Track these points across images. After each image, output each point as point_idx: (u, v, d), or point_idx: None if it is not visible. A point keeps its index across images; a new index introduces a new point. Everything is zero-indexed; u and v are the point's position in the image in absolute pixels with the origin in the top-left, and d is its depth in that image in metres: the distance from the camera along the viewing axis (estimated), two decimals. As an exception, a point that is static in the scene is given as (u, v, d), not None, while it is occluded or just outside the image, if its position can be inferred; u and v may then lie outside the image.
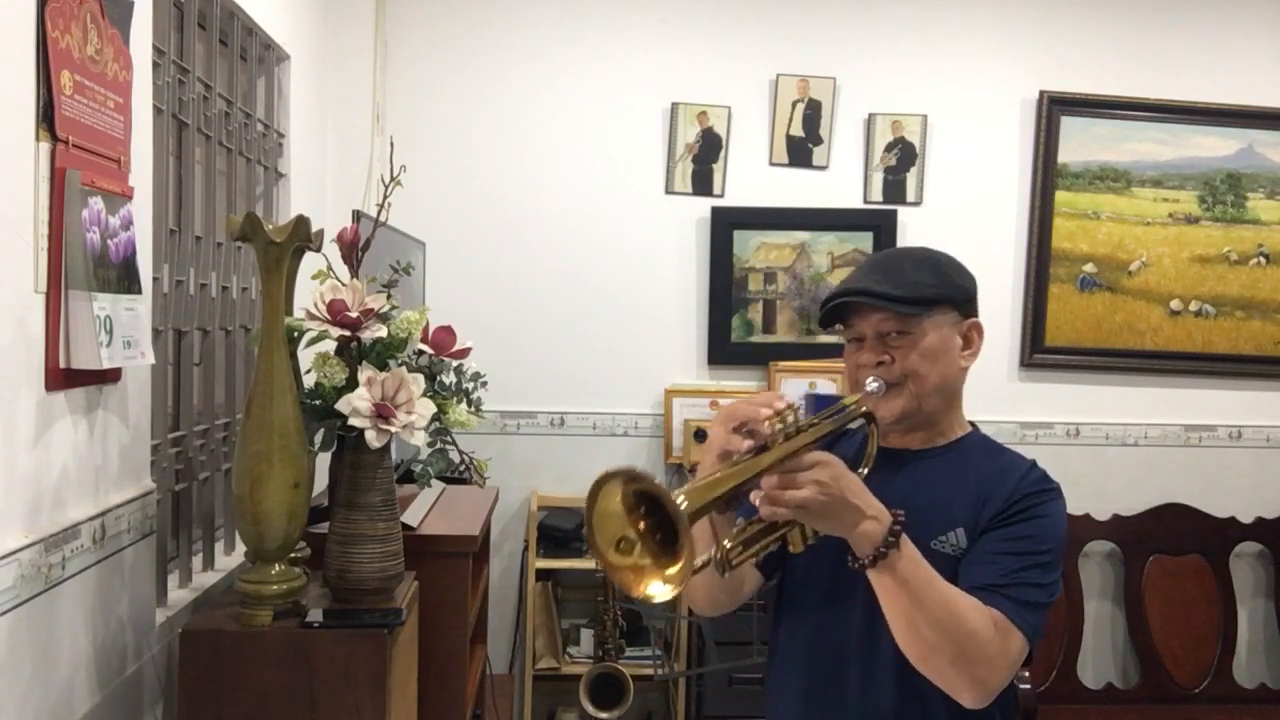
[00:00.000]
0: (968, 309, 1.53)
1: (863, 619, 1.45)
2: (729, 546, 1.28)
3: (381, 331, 1.72)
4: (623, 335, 3.52)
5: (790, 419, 1.29)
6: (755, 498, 1.28)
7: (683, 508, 1.13)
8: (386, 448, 1.78)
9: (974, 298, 1.55)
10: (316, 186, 3.15)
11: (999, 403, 3.62)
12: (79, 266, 1.49)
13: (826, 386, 3.44)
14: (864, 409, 1.45)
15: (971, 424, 1.58)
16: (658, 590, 1.16)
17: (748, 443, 1.28)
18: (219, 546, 2.36)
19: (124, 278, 1.62)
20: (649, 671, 3.27)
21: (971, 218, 3.59)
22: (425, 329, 1.81)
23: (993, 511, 1.45)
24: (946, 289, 1.50)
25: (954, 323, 1.51)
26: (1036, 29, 3.57)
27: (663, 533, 1.17)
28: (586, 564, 3.32)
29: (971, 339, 1.53)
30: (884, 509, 1.31)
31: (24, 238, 1.42)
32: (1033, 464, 1.54)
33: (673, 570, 1.15)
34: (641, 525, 1.18)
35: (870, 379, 1.47)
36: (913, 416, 1.49)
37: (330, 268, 1.79)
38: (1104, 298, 3.63)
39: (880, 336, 1.48)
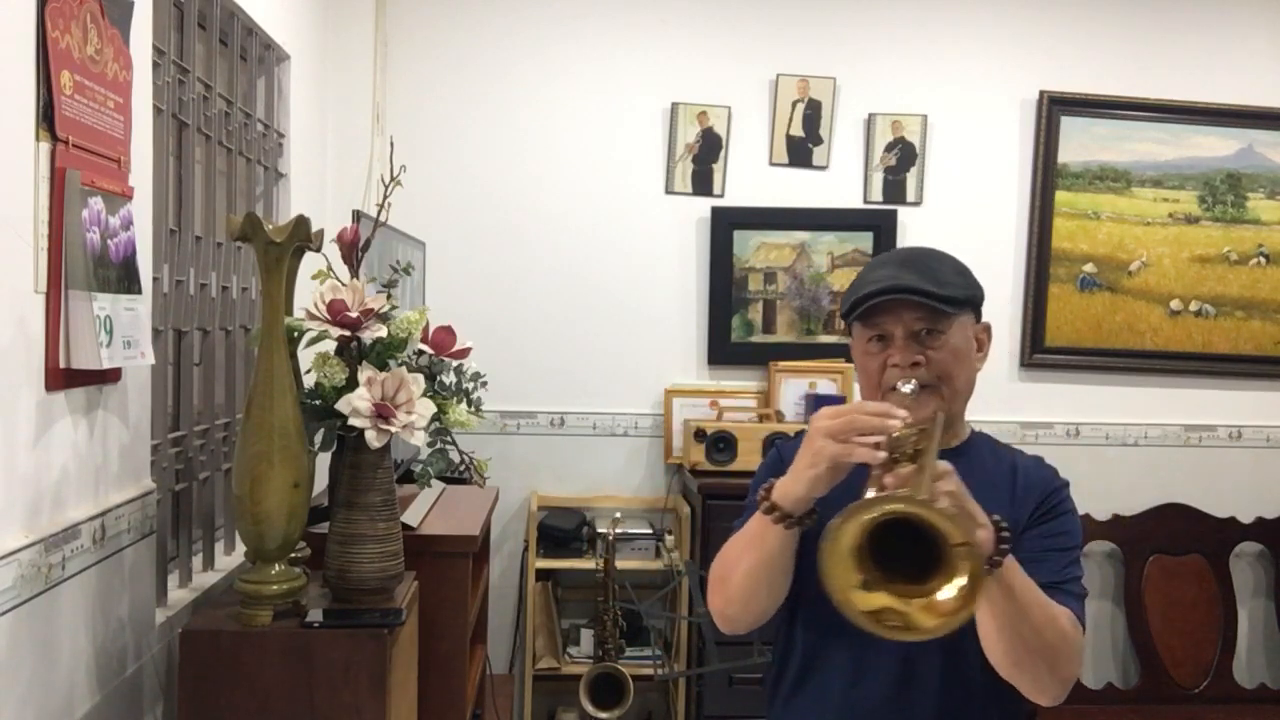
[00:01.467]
0: (979, 311, 1.53)
1: (899, 667, 1.45)
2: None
3: (381, 331, 1.72)
4: (623, 335, 3.52)
5: (911, 429, 1.24)
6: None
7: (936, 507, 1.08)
8: (386, 448, 1.78)
9: (983, 300, 1.54)
10: (316, 186, 3.15)
11: (999, 403, 3.61)
12: (79, 266, 1.49)
13: (827, 387, 3.44)
14: (930, 414, 1.40)
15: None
16: (952, 605, 1.10)
17: (880, 455, 1.21)
18: (219, 546, 2.36)
19: (124, 278, 1.62)
20: (649, 671, 3.27)
21: (971, 218, 3.59)
22: (425, 329, 1.81)
23: (1030, 509, 1.45)
24: (972, 290, 1.50)
25: (972, 325, 1.51)
26: (1036, 29, 3.57)
27: (898, 555, 1.12)
28: (586, 564, 3.32)
29: (983, 341, 1.53)
30: (986, 515, 1.26)
31: (24, 238, 1.42)
32: (1041, 458, 1.55)
33: (961, 582, 1.09)
34: (869, 565, 1.12)
35: (902, 381, 1.42)
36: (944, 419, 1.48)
37: (330, 268, 1.79)
38: (1104, 298, 3.63)
39: (912, 336, 1.44)
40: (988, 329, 1.54)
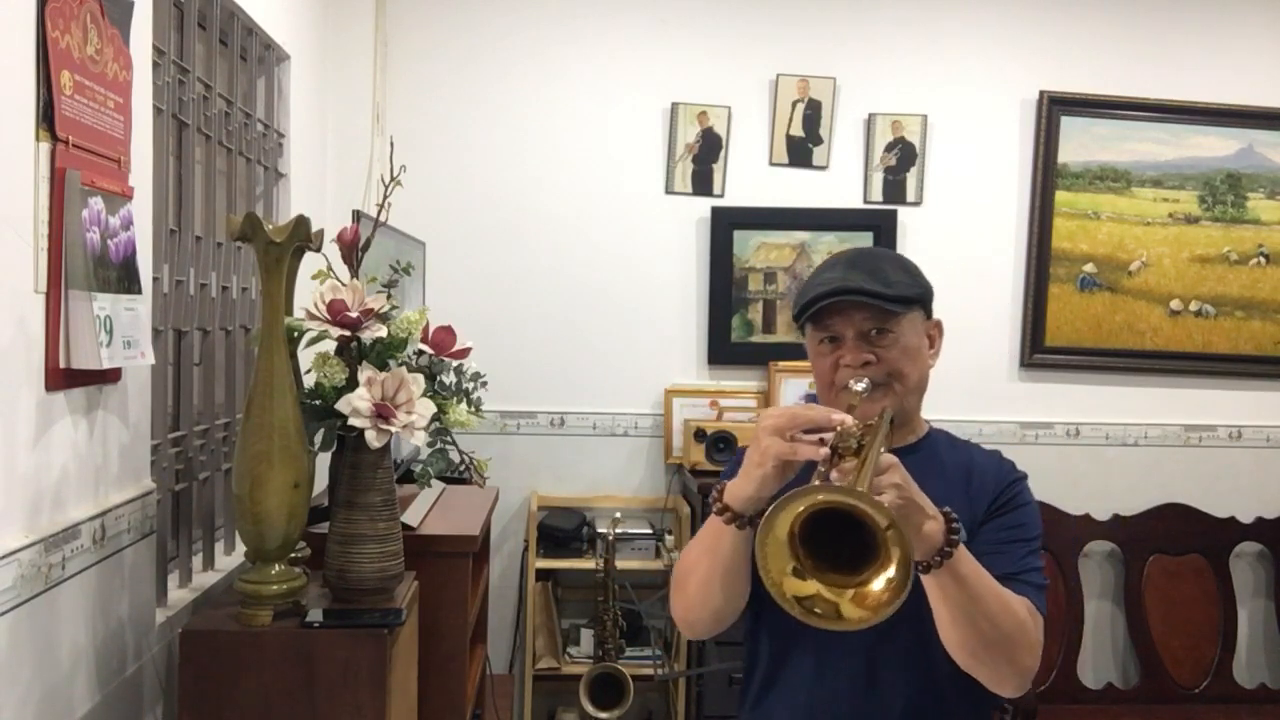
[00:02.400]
0: (929, 309, 1.55)
1: (864, 668, 1.46)
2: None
3: (381, 331, 1.72)
4: (623, 335, 3.52)
5: (856, 424, 1.26)
6: None
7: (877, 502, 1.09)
8: (386, 448, 1.78)
9: (933, 298, 1.56)
10: (316, 186, 3.15)
11: (999, 403, 3.62)
12: (79, 266, 1.49)
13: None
14: (884, 410, 1.42)
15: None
16: (880, 596, 1.11)
17: (824, 450, 1.22)
18: (219, 546, 2.36)
19: (124, 278, 1.62)
20: (649, 671, 3.27)
21: (971, 218, 3.59)
22: (425, 329, 1.81)
23: (986, 503, 1.47)
24: (920, 288, 1.53)
25: (923, 321, 1.53)
26: (1036, 29, 3.57)
27: (838, 547, 1.13)
28: (586, 564, 3.32)
29: (934, 338, 1.56)
30: (936, 508, 1.28)
31: (24, 238, 1.42)
32: (999, 453, 1.59)
33: (890, 574, 1.10)
34: (802, 553, 1.14)
35: (855, 380, 1.44)
36: (897, 416, 1.49)
37: (330, 268, 1.79)
38: (1104, 298, 3.63)
39: (862, 336, 1.47)
40: (939, 325, 1.57)
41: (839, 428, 1.23)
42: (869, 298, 1.44)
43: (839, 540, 1.14)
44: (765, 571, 1.15)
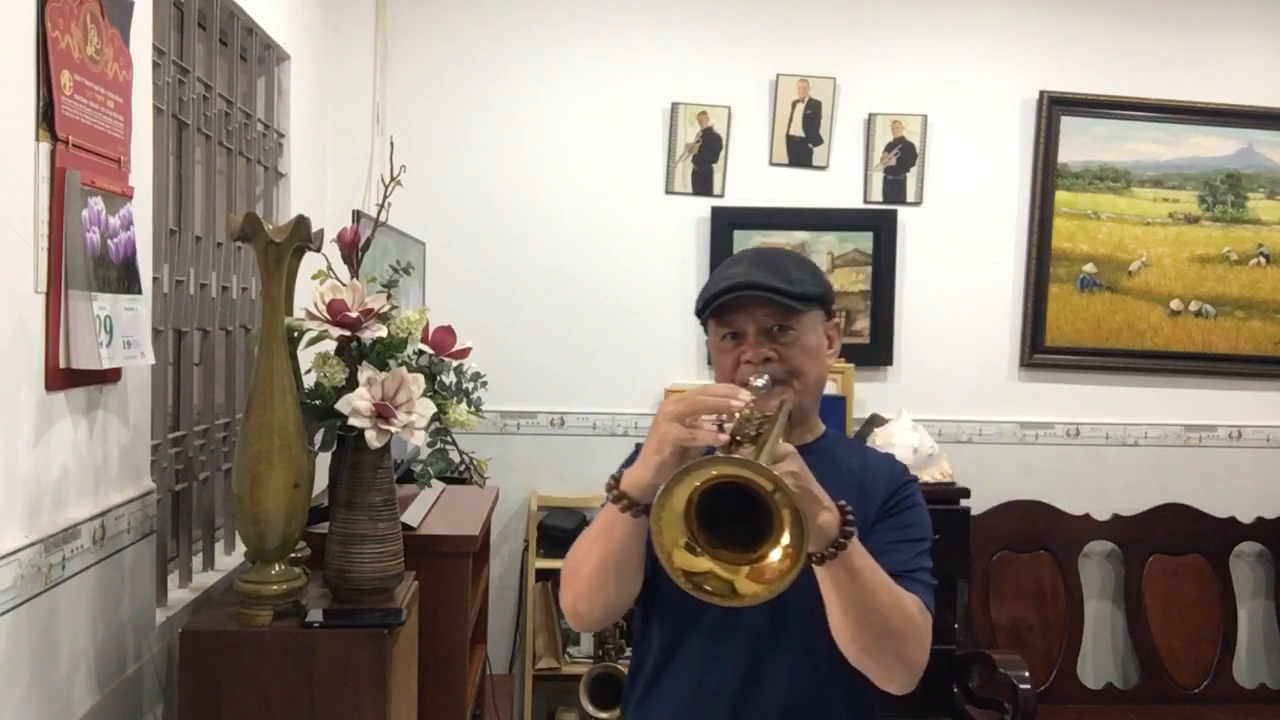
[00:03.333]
0: (829, 310, 1.56)
1: (748, 657, 1.46)
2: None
3: (381, 331, 1.72)
4: (623, 335, 3.52)
5: (755, 411, 1.27)
6: None
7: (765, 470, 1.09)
8: (386, 448, 1.78)
9: (833, 299, 1.58)
10: (316, 186, 3.15)
11: (999, 403, 3.62)
12: (79, 266, 1.49)
13: (827, 386, 3.43)
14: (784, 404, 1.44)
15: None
16: (779, 566, 1.11)
17: (722, 437, 1.22)
18: (219, 546, 2.36)
19: (124, 278, 1.62)
20: (649, 671, 3.27)
21: (971, 218, 3.59)
22: (425, 329, 1.81)
23: (879, 503, 1.49)
24: (822, 288, 1.54)
25: (823, 321, 1.54)
26: (1036, 29, 3.57)
27: (735, 529, 1.13)
28: (586, 564, 3.32)
29: (833, 338, 1.57)
30: (831, 500, 1.28)
31: (24, 238, 1.42)
32: (891, 456, 1.61)
33: (785, 540, 1.10)
34: (696, 529, 1.14)
35: (755, 375, 1.45)
36: (795, 414, 1.49)
37: (330, 268, 1.79)
38: (1104, 298, 3.63)
39: (764, 332, 1.48)
40: (838, 326, 1.58)
41: (738, 415, 1.24)
42: (772, 294, 1.45)
43: (737, 523, 1.14)
44: (659, 543, 1.14)
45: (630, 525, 1.32)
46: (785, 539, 1.12)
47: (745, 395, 1.28)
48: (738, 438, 1.23)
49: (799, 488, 1.20)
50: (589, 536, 1.41)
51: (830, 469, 1.47)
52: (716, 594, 1.15)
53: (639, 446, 1.53)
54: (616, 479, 1.33)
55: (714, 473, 1.12)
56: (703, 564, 1.15)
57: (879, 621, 1.32)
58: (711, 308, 1.50)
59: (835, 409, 3.35)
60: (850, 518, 1.28)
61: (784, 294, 1.45)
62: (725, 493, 1.13)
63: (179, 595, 2.07)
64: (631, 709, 1.58)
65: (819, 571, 1.30)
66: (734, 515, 1.14)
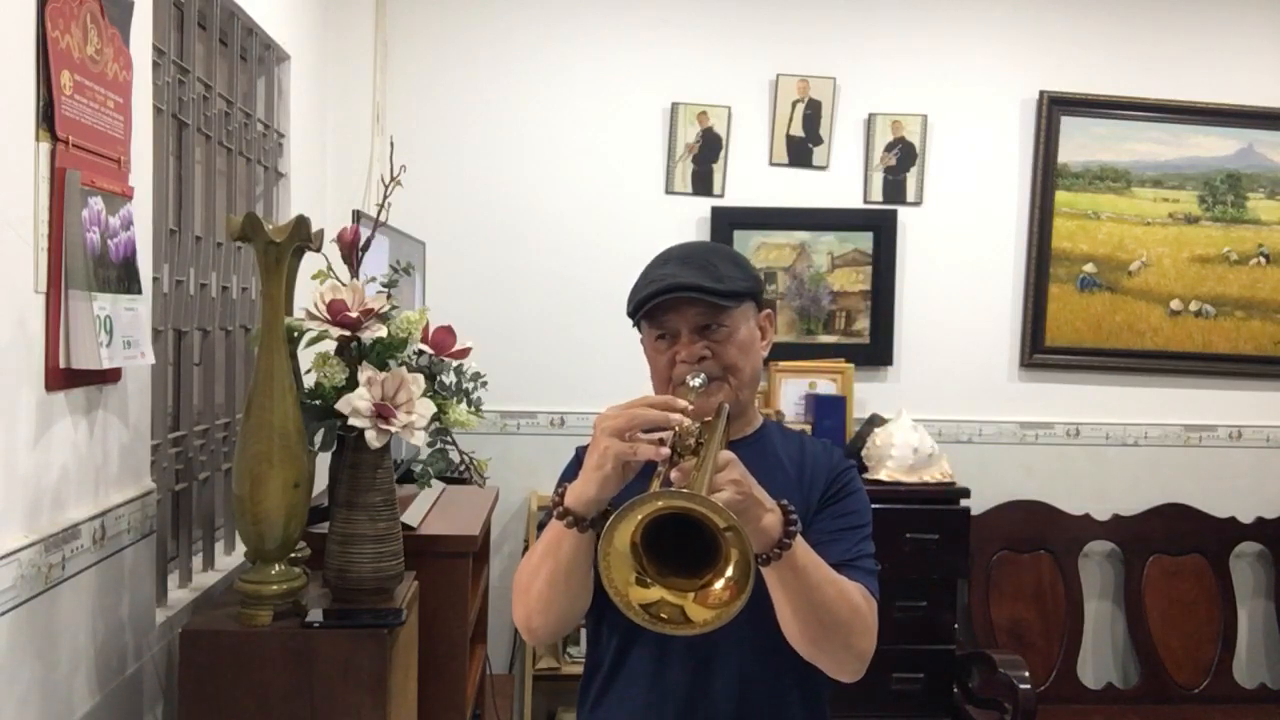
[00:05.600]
0: (761, 300, 1.56)
1: (698, 660, 1.46)
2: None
3: (381, 331, 1.72)
4: (623, 335, 3.47)
5: (694, 422, 1.27)
6: None
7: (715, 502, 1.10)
8: (386, 448, 1.78)
9: (764, 289, 1.58)
10: (316, 186, 3.15)
11: (999, 403, 3.62)
12: (79, 266, 1.49)
13: (826, 387, 3.44)
14: (717, 405, 1.44)
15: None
16: (721, 596, 1.12)
17: (664, 451, 1.22)
18: (219, 546, 2.36)
19: (124, 278, 1.62)
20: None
21: (971, 218, 3.59)
22: (425, 329, 1.81)
23: (819, 492, 1.50)
24: (751, 282, 1.54)
25: (754, 314, 1.54)
26: (1036, 29, 3.57)
27: (681, 556, 1.13)
28: (586, 564, 3.32)
29: (766, 329, 1.57)
30: (774, 500, 1.29)
31: (24, 238, 1.42)
32: (829, 441, 1.62)
33: (729, 573, 1.11)
34: (645, 560, 1.14)
35: (691, 375, 1.45)
36: (732, 408, 1.49)
37: (330, 268, 1.79)
38: (1104, 298, 3.63)
39: (696, 330, 1.48)
40: (769, 316, 1.59)
41: (677, 428, 1.24)
42: (700, 293, 1.45)
43: (682, 540, 1.14)
44: (610, 584, 1.15)
45: (577, 540, 1.32)
46: (729, 571, 1.12)
47: (682, 404, 1.29)
48: (678, 451, 1.24)
49: (741, 494, 1.22)
50: (536, 553, 1.42)
51: (769, 462, 1.50)
52: (671, 622, 1.15)
53: (580, 450, 1.54)
54: (561, 495, 1.33)
55: (658, 504, 1.12)
56: (654, 594, 1.15)
57: (825, 616, 1.33)
58: (643, 310, 1.50)
59: (835, 409, 3.35)
60: (793, 517, 1.29)
61: (712, 292, 1.45)
62: (670, 516, 1.13)
63: (179, 595, 2.07)
64: (587, 710, 1.58)
65: (765, 571, 1.30)
66: (679, 533, 1.14)
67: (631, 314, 1.53)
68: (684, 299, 1.46)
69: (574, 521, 1.30)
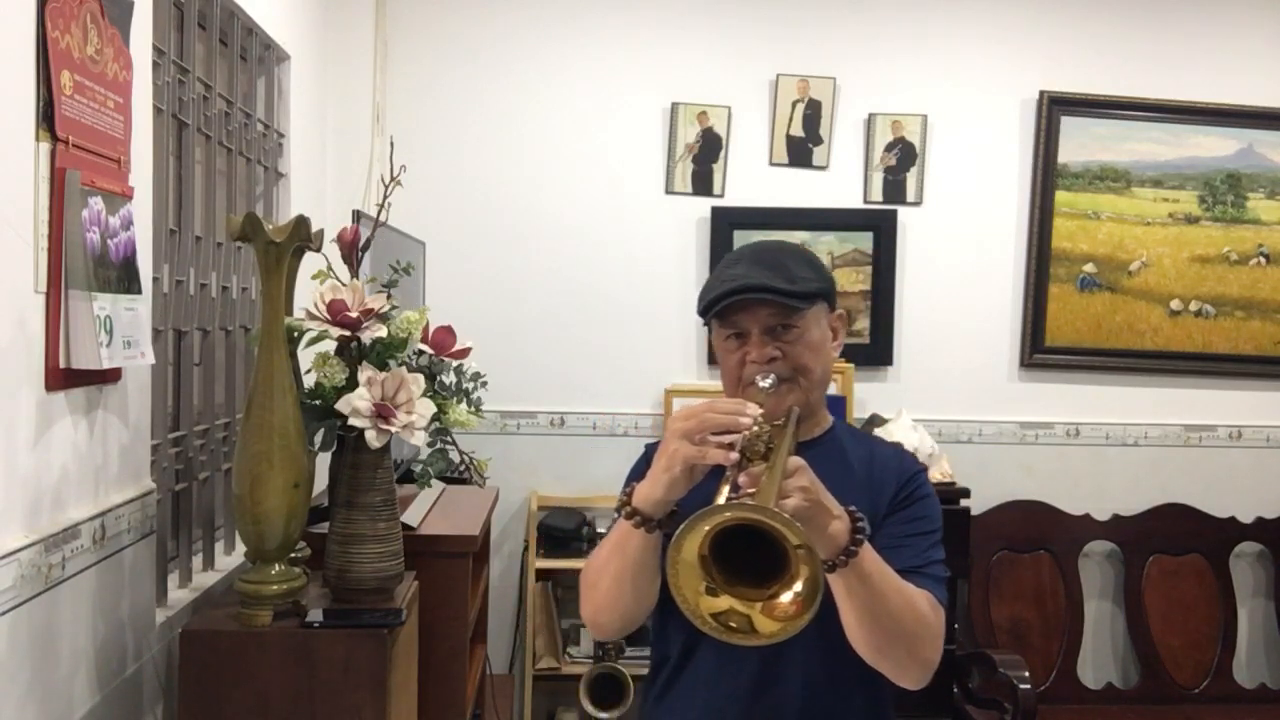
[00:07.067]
0: (833, 301, 1.55)
1: (761, 662, 1.46)
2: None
3: (381, 331, 1.72)
4: (623, 335, 3.52)
5: (764, 426, 1.26)
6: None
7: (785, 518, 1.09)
8: (386, 448, 1.78)
9: (835, 290, 1.57)
10: (316, 186, 3.15)
11: (999, 403, 3.61)
12: (79, 266, 1.49)
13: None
14: (787, 408, 1.43)
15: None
16: (788, 609, 1.12)
17: (733, 455, 1.22)
18: (219, 546, 2.36)
19: (124, 278, 1.62)
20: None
21: (971, 218, 3.59)
22: (425, 329, 1.81)
23: (889, 496, 1.49)
24: (823, 282, 1.53)
25: (826, 315, 1.53)
26: (1036, 29, 3.57)
27: (748, 563, 1.13)
28: (586, 564, 3.32)
29: (837, 331, 1.56)
30: (841, 506, 1.28)
31: (24, 238, 1.42)
32: (900, 445, 1.62)
33: (797, 588, 1.11)
34: (713, 569, 1.14)
35: (761, 376, 1.44)
36: (802, 410, 1.49)
37: (330, 268, 1.79)
38: (1104, 298, 3.63)
39: (767, 331, 1.47)
40: (842, 318, 1.57)
41: (747, 432, 1.24)
42: (772, 294, 1.45)
43: (749, 545, 1.13)
44: (679, 594, 1.15)
45: (644, 540, 1.32)
46: (798, 586, 1.12)
47: (754, 410, 1.27)
48: (747, 455, 1.23)
49: (809, 501, 1.21)
50: (604, 550, 1.42)
51: (838, 464, 1.48)
52: (739, 631, 1.15)
53: (649, 449, 1.53)
54: (628, 495, 1.33)
55: (726, 516, 1.12)
56: (723, 603, 1.15)
57: (891, 624, 1.32)
58: (714, 310, 1.49)
59: (835, 409, 3.31)
60: (860, 524, 1.28)
61: (785, 293, 1.45)
62: (737, 528, 1.12)
63: (179, 595, 2.07)
64: (650, 704, 1.58)
65: (830, 578, 1.29)
66: (746, 542, 1.13)
67: (702, 313, 1.52)
68: (755, 299, 1.45)
69: (641, 521, 1.30)
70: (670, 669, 1.55)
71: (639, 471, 1.47)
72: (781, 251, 1.56)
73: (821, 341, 1.50)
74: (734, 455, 1.22)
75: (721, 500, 1.18)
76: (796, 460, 1.25)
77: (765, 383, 1.43)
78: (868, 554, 1.30)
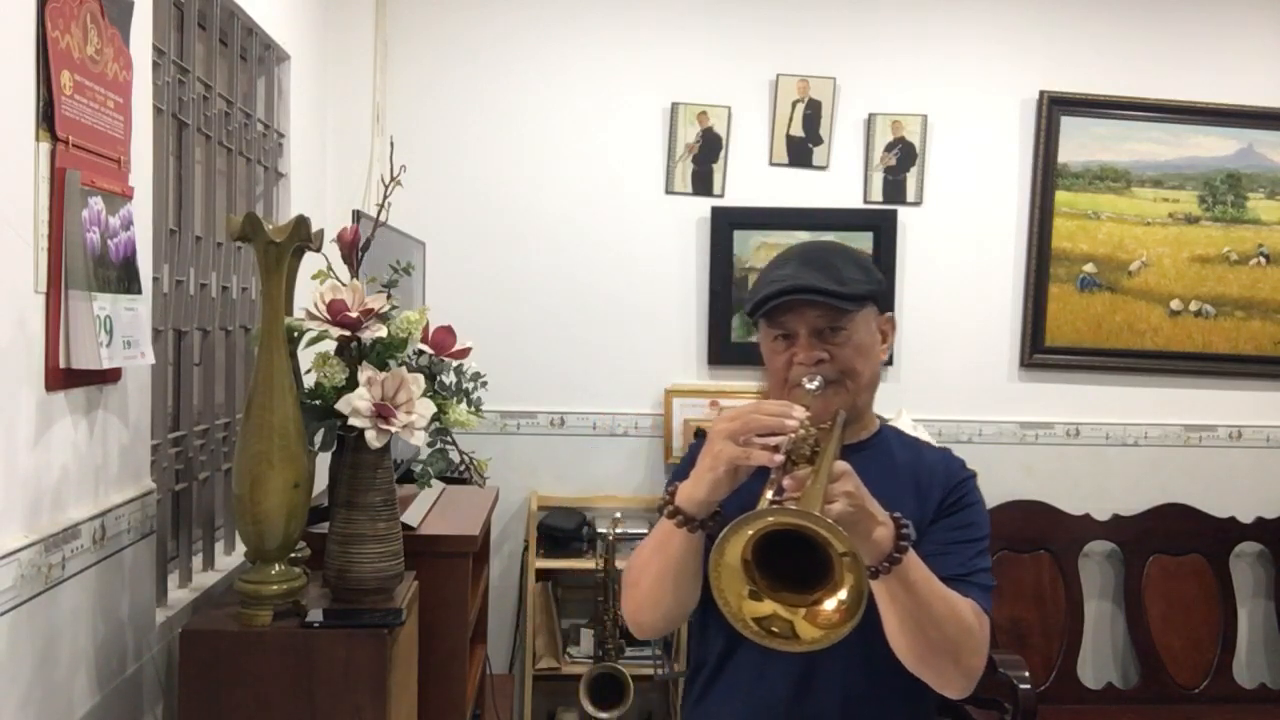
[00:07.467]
0: (883, 304, 1.54)
1: (803, 665, 1.45)
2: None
3: (381, 331, 1.72)
4: (623, 335, 3.52)
5: (810, 429, 1.24)
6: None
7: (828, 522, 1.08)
8: (386, 448, 1.78)
9: (885, 292, 1.56)
10: (316, 186, 3.15)
11: (999, 403, 3.62)
12: (79, 266, 1.49)
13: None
14: (834, 411, 1.42)
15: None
16: (831, 617, 1.11)
17: (778, 457, 1.21)
18: (219, 546, 2.36)
19: (124, 278, 1.62)
20: (649, 671, 3.27)
21: (971, 218, 3.59)
22: (425, 329, 1.81)
23: (936, 502, 1.47)
24: (873, 285, 1.52)
25: (875, 317, 1.52)
26: (1036, 29, 3.57)
27: (792, 567, 1.12)
28: (586, 564, 3.32)
29: (886, 333, 1.54)
30: (886, 513, 1.27)
31: (24, 238, 1.42)
32: (948, 450, 1.58)
33: (841, 595, 1.10)
34: (756, 574, 1.13)
35: (808, 378, 1.43)
36: (849, 413, 1.48)
37: (330, 268, 1.79)
38: (1104, 298, 3.63)
39: (815, 333, 1.46)
40: (891, 320, 1.56)
41: (793, 435, 1.22)
42: (821, 296, 1.43)
43: (794, 551, 1.13)
44: (721, 597, 1.14)
45: (686, 540, 1.31)
46: (842, 594, 1.11)
47: (800, 412, 1.26)
48: (792, 458, 1.22)
49: (854, 506, 1.19)
50: (647, 548, 1.41)
51: (885, 468, 1.46)
52: (781, 636, 1.14)
53: (694, 448, 1.53)
54: (671, 494, 1.32)
55: (770, 521, 1.11)
56: (766, 608, 1.15)
57: (934, 632, 1.31)
58: (763, 310, 1.48)
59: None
60: (905, 531, 1.26)
61: (834, 295, 1.43)
62: (782, 532, 1.11)
63: (179, 595, 2.07)
64: (690, 706, 1.58)
65: (874, 585, 1.28)
66: (790, 545, 1.12)
67: (750, 313, 1.51)
68: (804, 300, 1.43)
69: (684, 521, 1.29)
70: (708, 672, 1.54)
71: (683, 471, 1.46)
72: (831, 252, 1.54)
73: (870, 344, 1.49)
74: (779, 457, 1.21)
75: (765, 503, 1.16)
76: (842, 465, 1.23)
77: (812, 385, 1.42)
78: (912, 561, 1.28)
